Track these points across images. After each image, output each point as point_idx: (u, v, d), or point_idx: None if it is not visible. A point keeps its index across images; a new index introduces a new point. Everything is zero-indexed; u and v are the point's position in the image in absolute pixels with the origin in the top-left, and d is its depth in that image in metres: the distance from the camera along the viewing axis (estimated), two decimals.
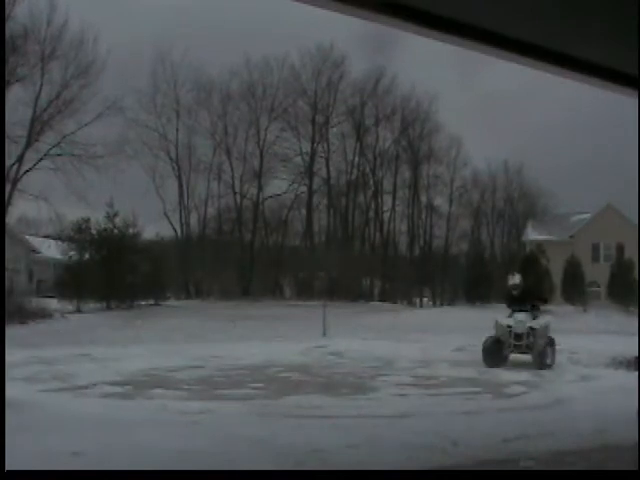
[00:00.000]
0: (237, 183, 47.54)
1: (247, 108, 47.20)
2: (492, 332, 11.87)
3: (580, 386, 9.63)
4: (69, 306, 29.04)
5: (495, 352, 11.66)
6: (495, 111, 66.53)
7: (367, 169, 50.60)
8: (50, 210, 34.02)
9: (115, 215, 32.16)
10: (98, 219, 32.26)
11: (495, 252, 53.21)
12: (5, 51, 27.51)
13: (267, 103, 47.21)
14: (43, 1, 33.79)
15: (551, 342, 11.92)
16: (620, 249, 36.90)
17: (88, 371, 10.57)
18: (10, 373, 8.15)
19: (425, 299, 50.89)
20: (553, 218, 47.35)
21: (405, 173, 50.84)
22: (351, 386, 9.63)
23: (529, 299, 12.03)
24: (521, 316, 11.75)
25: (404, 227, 51.18)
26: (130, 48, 44.99)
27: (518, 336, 11.56)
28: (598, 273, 37.82)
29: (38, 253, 41.30)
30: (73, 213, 35.51)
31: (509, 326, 11.65)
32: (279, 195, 48.77)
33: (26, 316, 23.08)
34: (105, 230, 32.09)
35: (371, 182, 50.62)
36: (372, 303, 41.62)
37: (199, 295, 43.68)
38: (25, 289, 32.03)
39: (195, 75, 45.29)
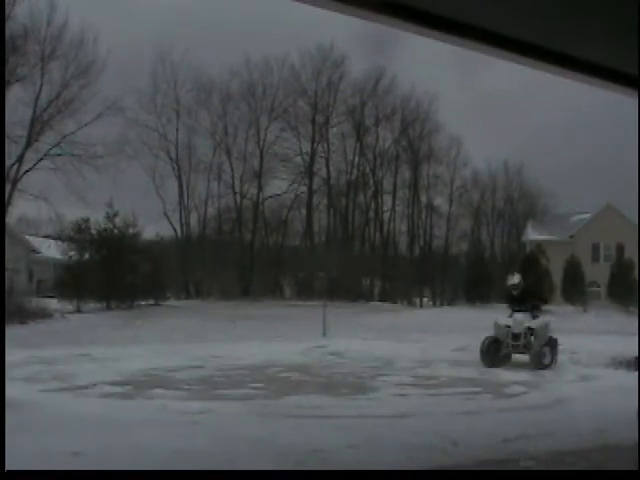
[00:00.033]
0: (237, 183, 47.58)
1: (247, 108, 47.24)
2: (492, 332, 11.88)
3: (580, 386, 9.63)
4: (69, 306, 29.04)
5: (493, 352, 11.66)
6: (495, 111, 66.54)
7: (367, 169, 50.63)
8: (50, 210, 34.05)
9: (115, 215, 32.18)
10: (98, 219, 32.30)
11: (495, 252, 53.22)
12: (5, 51, 27.50)
13: (267, 103, 47.24)
14: (43, 1, 33.83)
15: (551, 342, 11.91)
16: (620, 249, 36.91)
17: (88, 371, 10.57)
18: (10, 373, 8.15)
19: (425, 299, 50.89)
20: (553, 218, 47.35)
21: (405, 173, 50.87)
22: (351, 386, 9.63)
23: (529, 299, 12.03)
24: (520, 316, 11.75)
25: (404, 227, 51.22)
26: (130, 48, 44.99)
27: (515, 336, 11.55)
28: (598, 273, 37.82)
29: (38, 253, 41.30)
30: (73, 213, 35.52)
31: (507, 326, 11.65)
32: (279, 195, 48.80)
33: (26, 316, 23.08)
34: (105, 230, 32.09)
35: (371, 182, 50.64)
36: (372, 303, 41.62)
37: (199, 295, 43.68)
38: (25, 289, 32.04)
39: (195, 75, 45.32)
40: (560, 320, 13.14)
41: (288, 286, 48.90)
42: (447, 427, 6.44)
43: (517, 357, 11.79)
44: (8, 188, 31.68)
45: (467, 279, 37.94)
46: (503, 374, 10.65)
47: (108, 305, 30.62)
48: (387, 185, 50.80)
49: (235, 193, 47.71)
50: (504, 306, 12.83)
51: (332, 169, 49.79)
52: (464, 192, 52.05)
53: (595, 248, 42.80)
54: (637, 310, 25.81)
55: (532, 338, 11.51)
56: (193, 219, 48.29)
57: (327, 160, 49.59)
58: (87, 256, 31.79)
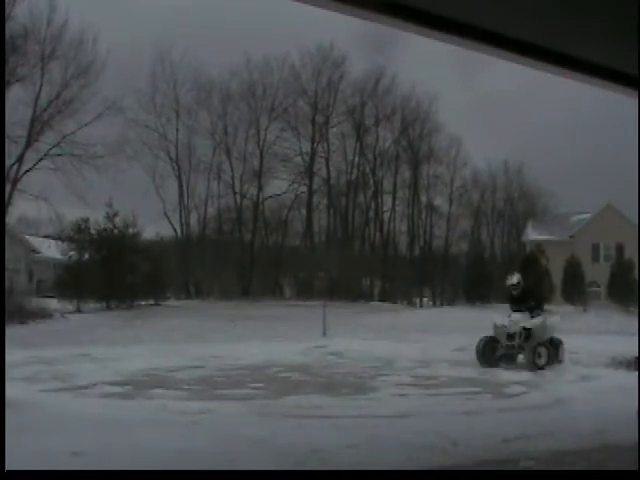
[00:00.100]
0: (237, 183, 47.59)
1: (247, 108, 47.24)
2: (491, 332, 11.88)
3: (580, 386, 9.63)
4: (69, 306, 29.04)
5: (489, 352, 11.67)
6: (495, 111, 66.58)
7: (367, 169, 50.63)
8: (50, 210, 34.06)
9: (115, 215, 32.18)
10: (98, 219, 32.31)
11: (495, 252, 53.23)
12: (5, 51, 27.50)
13: (267, 103, 47.24)
14: (43, 1, 33.83)
15: (553, 342, 11.87)
16: (620, 249, 36.90)
17: (88, 371, 10.57)
18: (10, 373, 8.15)
19: (425, 299, 50.89)
20: (553, 218, 47.35)
21: (405, 173, 50.88)
22: (351, 386, 9.63)
23: (528, 299, 12.02)
24: (517, 316, 11.74)
25: (404, 227, 51.23)
26: (130, 48, 45.01)
27: (510, 336, 11.55)
28: (598, 273, 37.82)
29: (38, 253, 41.31)
30: (73, 213, 35.58)
31: (504, 326, 11.65)
32: (279, 195, 48.80)
33: (26, 316, 23.08)
34: (105, 230, 32.09)
35: (371, 182, 50.64)
36: (372, 303, 41.62)
37: (199, 295, 43.68)
38: (25, 289, 32.04)
39: (195, 75, 45.33)
40: (560, 320, 13.09)
41: (288, 286, 48.90)
42: (447, 427, 6.44)
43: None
44: (8, 188, 31.69)
45: (467, 279, 37.94)
46: (503, 374, 10.65)
47: (108, 305, 30.62)
48: (387, 185, 50.84)
49: (235, 193, 47.73)
50: (504, 306, 12.83)
51: (332, 169, 49.83)
52: (464, 192, 52.09)
53: (595, 248, 42.80)
54: (637, 310, 25.81)
55: (527, 338, 11.48)
56: (193, 219, 48.33)
57: (327, 160, 49.61)
58: (87, 256, 31.79)
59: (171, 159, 46.65)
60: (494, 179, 52.43)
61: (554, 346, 11.94)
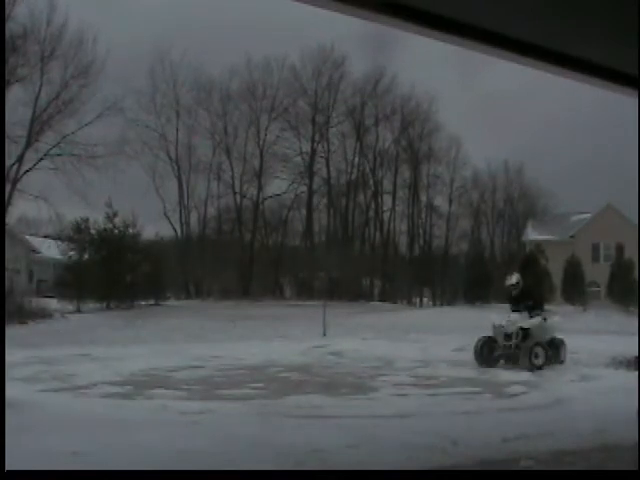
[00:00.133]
0: (237, 183, 47.63)
1: (247, 108, 47.29)
2: (491, 332, 11.88)
3: (580, 386, 9.62)
4: (69, 306, 29.06)
5: (486, 352, 11.67)
6: (495, 111, 66.63)
7: (367, 169, 50.67)
8: (50, 210, 34.08)
9: (115, 215, 32.20)
10: (98, 219, 32.34)
11: (495, 252, 53.26)
12: (5, 51, 27.50)
13: (267, 103, 47.29)
14: (43, 1, 33.85)
15: (554, 342, 11.86)
16: (620, 249, 36.89)
17: (88, 371, 10.57)
18: (10, 373, 8.15)
19: (425, 299, 50.92)
20: (553, 218, 47.36)
21: (405, 173, 50.94)
22: (351, 386, 9.63)
23: (527, 299, 12.01)
24: (515, 316, 11.74)
25: (404, 227, 51.29)
26: (130, 48, 45.08)
27: (508, 336, 11.54)
28: (598, 273, 37.82)
29: (38, 253, 41.31)
30: (73, 213, 35.64)
31: (501, 326, 11.65)
32: (279, 195, 48.84)
33: (26, 316, 23.09)
34: (105, 230, 32.10)
35: (371, 182, 50.67)
36: (372, 303, 41.63)
37: (199, 295, 43.69)
38: (25, 289, 32.04)
39: (195, 75, 45.38)
40: (561, 320, 13.10)
41: (288, 286, 48.91)
42: (447, 427, 6.44)
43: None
44: (8, 188, 31.70)
45: (467, 279, 37.93)
46: (503, 374, 10.64)
47: (108, 305, 30.64)
48: (387, 185, 50.90)
49: (235, 193, 47.76)
50: (504, 306, 12.82)
51: (332, 169, 49.87)
52: (464, 192, 52.15)
53: (595, 248, 42.80)
54: (637, 310, 25.81)
55: (524, 338, 11.46)
56: (193, 219, 48.38)
57: (327, 160, 49.64)
58: (87, 256, 31.82)
59: (171, 159, 46.72)
60: (494, 179, 52.52)
61: (555, 346, 11.93)
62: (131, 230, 32.68)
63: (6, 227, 28.61)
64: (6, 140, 29.89)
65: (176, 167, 46.76)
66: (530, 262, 34.19)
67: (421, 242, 51.95)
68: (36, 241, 42.34)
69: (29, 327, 21.75)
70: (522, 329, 11.50)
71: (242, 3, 51.93)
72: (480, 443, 5.86)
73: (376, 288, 49.34)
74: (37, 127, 34.46)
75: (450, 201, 51.49)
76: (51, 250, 37.24)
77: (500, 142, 65.23)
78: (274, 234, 50.47)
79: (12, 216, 36.21)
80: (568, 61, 2.64)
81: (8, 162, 32.28)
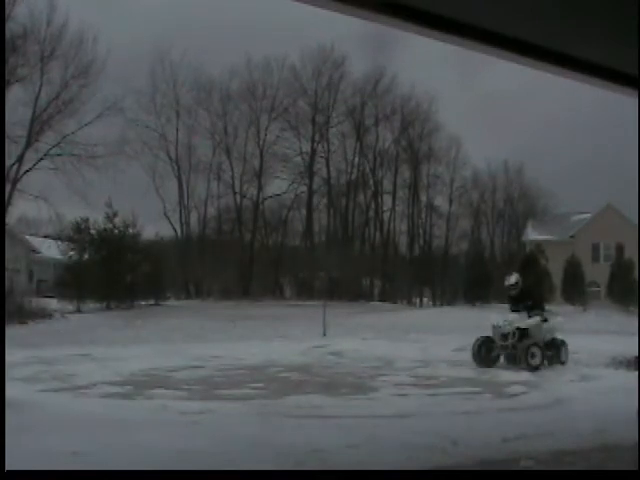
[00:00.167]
0: (237, 183, 47.63)
1: (247, 108, 47.29)
2: (490, 332, 11.88)
3: (580, 386, 9.62)
4: (69, 306, 29.05)
5: (484, 352, 11.67)
6: (495, 111, 66.64)
7: (367, 169, 50.67)
8: (50, 210, 34.09)
9: (115, 215, 32.20)
10: (98, 219, 32.34)
11: (495, 252, 53.26)
12: (5, 51, 27.49)
13: (267, 103, 47.30)
14: (43, 1, 33.86)
15: (554, 343, 11.84)
16: (620, 249, 36.89)
17: (88, 371, 10.57)
18: (10, 373, 8.14)
19: (425, 299, 50.92)
20: (553, 218, 47.37)
21: (405, 173, 50.94)
22: (351, 386, 9.63)
23: (526, 299, 12.01)
24: (513, 316, 11.74)
25: (404, 227, 51.29)
26: (130, 48, 45.08)
27: (504, 336, 11.55)
28: (598, 273, 37.82)
29: (38, 253, 41.31)
30: (73, 213, 35.64)
31: (499, 326, 11.66)
32: (279, 195, 48.84)
33: (26, 316, 23.09)
34: (105, 230, 32.10)
35: (371, 182, 50.67)
36: (372, 303, 41.63)
37: (199, 295, 43.69)
38: (25, 289, 32.03)
39: (195, 75, 45.39)
40: (562, 320, 13.11)
41: (288, 286, 48.91)
42: (447, 427, 6.44)
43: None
44: (8, 188, 31.70)
45: (467, 279, 37.94)
46: (503, 374, 10.64)
47: (108, 305, 30.64)
48: (387, 185, 50.91)
49: (235, 193, 47.76)
50: (504, 306, 12.82)
51: (332, 169, 49.88)
52: (464, 192, 52.14)
53: (595, 248, 42.80)
54: (637, 310, 25.81)
55: (521, 338, 11.44)
56: (193, 219, 48.39)
57: (327, 160, 49.64)
58: (87, 256, 31.82)
59: (171, 159, 46.72)
60: (494, 179, 52.53)
61: (555, 347, 11.90)
62: (131, 230, 32.69)
63: (6, 227, 28.61)
64: (6, 140, 29.92)
65: (176, 167, 46.82)
66: (530, 262, 34.19)
67: (421, 242, 51.97)
68: (36, 241, 42.34)
69: (29, 327, 21.75)
70: (519, 329, 11.49)
71: (242, 3, 51.96)
72: (480, 443, 5.86)
73: (376, 288, 49.34)
74: (37, 127, 34.48)
75: (450, 201, 51.55)
76: (51, 250, 37.24)
77: (500, 142, 65.29)
78: (274, 234, 50.48)
79: (12, 216, 36.27)
80: (568, 61, 2.64)
81: (8, 162, 32.31)
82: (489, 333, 11.83)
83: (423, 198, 51.40)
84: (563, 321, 12.87)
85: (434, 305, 46.54)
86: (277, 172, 48.81)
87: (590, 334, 18.57)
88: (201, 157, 47.38)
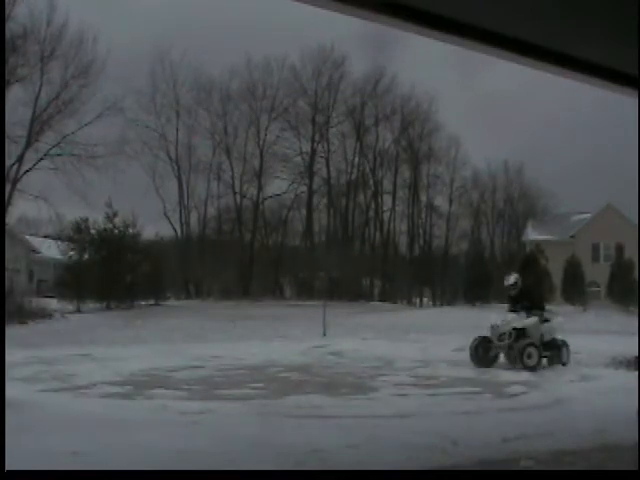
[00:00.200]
0: (237, 183, 47.64)
1: (247, 108, 47.30)
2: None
3: (580, 386, 9.62)
4: (69, 306, 29.05)
5: (482, 352, 11.66)
6: (495, 111, 66.66)
7: (367, 169, 50.69)
8: (50, 210, 34.09)
9: (115, 215, 32.20)
10: (98, 219, 32.35)
11: (495, 252, 53.27)
12: (5, 51, 27.49)
13: (267, 103, 47.32)
14: (43, 1, 33.87)
15: (553, 343, 11.83)
16: (620, 249, 36.89)
17: (88, 371, 10.57)
18: (10, 373, 8.14)
19: (425, 299, 50.92)
20: (553, 218, 47.37)
21: (405, 173, 50.97)
22: (351, 386, 9.63)
23: (525, 299, 12.00)
24: (511, 316, 11.74)
25: (404, 227, 51.31)
26: (130, 48, 45.08)
27: (501, 336, 11.54)
28: (598, 273, 37.82)
29: (38, 253, 41.31)
30: (73, 213, 35.65)
31: (497, 326, 11.65)
32: (279, 195, 48.86)
33: (26, 316, 23.09)
34: (105, 230, 32.10)
35: (371, 182, 50.67)
36: (372, 303, 41.63)
37: (199, 295, 43.69)
38: (25, 289, 32.04)
39: (195, 75, 45.41)
40: (562, 320, 13.11)
41: (288, 286, 48.92)
42: (447, 427, 6.44)
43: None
44: (8, 188, 31.70)
45: (467, 279, 37.95)
46: (503, 374, 10.64)
47: (108, 305, 30.64)
48: (387, 185, 50.93)
49: (235, 193, 47.77)
50: (505, 306, 12.81)
51: (332, 169, 49.90)
52: (464, 192, 52.16)
53: (595, 248, 42.81)
54: (637, 310, 25.81)
55: (517, 338, 11.41)
56: (193, 219, 48.40)
57: (327, 160, 49.66)
58: (87, 256, 31.82)
59: (171, 159, 46.74)
60: (494, 179, 52.55)
61: (556, 347, 11.87)
62: (131, 230, 32.69)
63: (6, 227, 28.61)
64: (6, 140, 29.92)
65: (176, 167, 46.83)
66: (530, 262, 34.19)
67: (421, 242, 51.97)
68: (36, 241, 42.34)
69: (29, 327, 21.75)
70: (515, 329, 11.49)
71: (242, 3, 51.98)
72: (480, 443, 5.86)
73: (376, 288, 49.35)
74: (37, 127, 34.48)
75: (450, 201, 51.57)
76: (51, 250, 37.25)
77: (500, 142, 65.31)
78: (274, 234, 50.48)
79: (12, 216, 36.27)
80: (568, 61, 2.64)
81: (8, 162, 32.30)
82: (488, 333, 11.84)
83: (423, 198, 51.48)
84: (563, 321, 12.85)
85: (434, 305, 46.55)
86: (277, 172, 48.89)
87: (590, 334, 18.56)
88: (201, 157, 47.45)
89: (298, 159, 49.44)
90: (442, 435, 5.87)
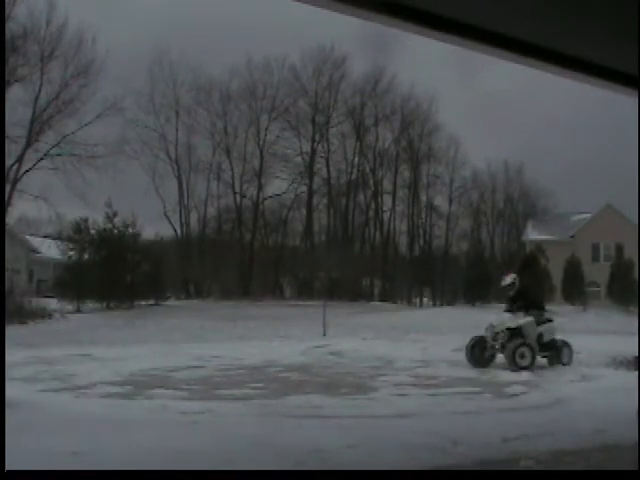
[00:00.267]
0: (237, 183, 47.63)
1: (247, 108, 47.31)
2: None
3: (580, 386, 9.62)
4: (69, 306, 29.05)
5: (478, 352, 11.65)
6: (495, 111, 66.68)
7: (367, 169, 50.68)
8: (50, 210, 34.07)
9: (114, 215, 32.20)
10: (97, 219, 32.35)
11: (495, 252, 53.26)
12: (5, 51, 27.49)
13: (267, 103, 47.33)
14: (43, 1, 33.86)
15: (553, 344, 11.83)
16: (620, 249, 36.90)
17: (88, 371, 10.56)
18: (10, 373, 8.15)
19: (425, 299, 50.92)
20: (553, 218, 47.38)
21: (405, 173, 50.98)
22: (351, 386, 9.62)
23: (524, 299, 12.00)
24: (506, 316, 11.74)
25: (404, 227, 51.31)
26: (129, 48, 45.09)
27: (495, 335, 11.54)
28: (598, 273, 37.83)
29: (38, 253, 41.32)
30: (73, 213, 35.60)
31: (493, 326, 11.66)
32: (279, 195, 48.86)
33: (26, 316, 23.08)
34: (105, 230, 32.10)
35: (371, 182, 50.67)
36: (372, 303, 41.64)
37: (199, 295, 43.69)
38: (25, 289, 32.03)
39: (194, 75, 45.41)
40: (560, 320, 13.12)
41: (288, 286, 48.93)
42: (447, 427, 6.44)
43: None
44: (8, 188, 31.69)
45: (467, 279, 37.95)
46: (503, 374, 10.64)
47: (108, 305, 30.64)
48: (387, 185, 50.94)
49: (235, 193, 47.78)
50: (504, 306, 12.81)
51: (332, 169, 49.90)
52: (464, 192, 52.16)
53: (595, 248, 42.82)
54: (637, 310, 25.81)
55: (510, 338, 11.39)
56: (193, 219, 48.41)
57: (327, 160, 49.66)
58: (87, 256, 31.81)
59: (171, 159, 46.76)
60: (494, 179, 52.55)
61: (555, 348, 11.86)
62: (131, 230, 32.68)
63: (6, 227, 28.61)
64: (6, 140, 29.90)
65: (176, 167, 46.84)
66: (530, 262, 34.21)
67: (421, 242, 51.97)
68: (36, 241, 42.34)
69: (29, 327, 21.74)
70: (508, 329, 11.49)
71: (242, 3, 52.00)
72: (480, 443, 5.86)
73: (376, 288, 49.35)
74: (37, 127, 34.47)
75: (450, 201, 51.58)
76: (51, 250, 37.24)
77: (500, 142, 65.33)
78: (274, 234, 50.49)
79: (12, 216, 36.28)
80: (568, 61, 2.64)
81: (8, 162, 32.29)
82: (484, 333, 11.83)
83: (423, 198, 51.49)
84: (563, 321, 12.85)
85: (434, 305, 46.55)
86: (277, 172, 48.90)
87: (590, 334, 18.56)
88: (201, 157, 47.47)
89: (298, 159, 49.51)
90: (442, 435, 5.88)
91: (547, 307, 13.04)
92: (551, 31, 2.47)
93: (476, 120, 59.23)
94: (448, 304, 42.47)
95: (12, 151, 32.66)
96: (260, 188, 47.62)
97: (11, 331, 16.43)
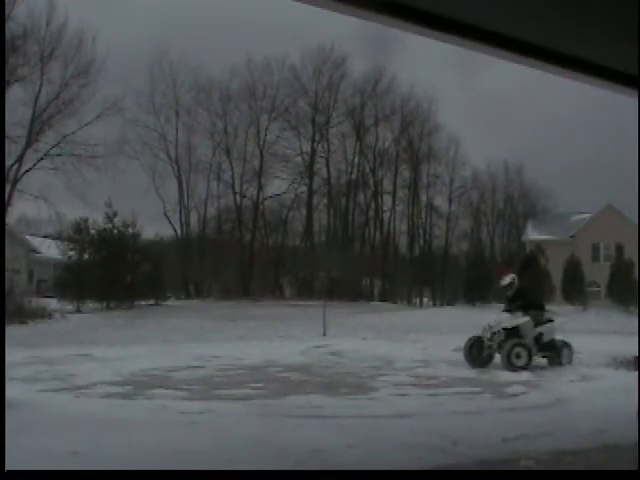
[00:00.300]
0: (237, 183, 47.64)
1: (247, 108, 47.31)
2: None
3: (580, 386, 9.62)
4: (69, 306, 29.05)
5: (475, 352, 11.65)
6: (495, 111, 66.69)
7: (367, 169, 50.68)
8: (50, 210, 34.07)
9: (114, 215, 32.20)
10: (97, 219, 32.36)
11: (495, 252, 53.26)
12: (5, 51, 27.49)
13: (267, 103, 47.33)
14: (43, 1, 33.85)
15: (552, 344, 11.81)
16: (620, 249, 36.91)
17: (88, 371, 10.56)
18: (10, 373, 8.15)
19: (425, 299, 50.92)
20: (553, 218, 47.38)
21: (405, 173, 50.98)
22: (351, 386, 9.62)
23: (523, 299, 11.99)
24: (504, 316, 11.74)
25: (404, 227, 51.31)
26: (129, 48, 45.09)
27: (492, 335, 11.54)
28: (598, 273, 37.84)
29: (38, 253, 41.31)
30: (73, 213, 35.61)
31: (490, 326, 11.65)
32: (279, 195, 48.87)
33: (26, 316, 23.08)
34: (105, 230, 32.10)
35: (371, 182, 50.67)
36: (372, 303, 41.63)
37: (199, 295, 43.69)
38: (25, 289, 32.03)
39: (194, 75, 45.42)
40: (560, 320, 13.10)
41: (288, 286, 48.94)
42: (447, 427, 6.44)
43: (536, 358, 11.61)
44: (8, 188, 31.69)
45: (467, 279, 37.96)
46: (503, 374, 10.64)
47: (108, 305, 30.64)
48: (387, 185, 50.94)
49: (235, 193, 47.78)
50: (503, 306, 12.81)
51: (332, 169, 49.90)
52: (464, 192, 52.16)
53: (595, 248, 42.83)
54: (637, 310, 25.81)
55: (507, 338, 11.38)
56: (193, 219, 48.42)
57: (327, 160, 49.66)
58: (87, 256, 31.81)
59: (171, 159, 46.76)
60: (494, 179, 52.55)
61: (555, 348, 11.85)
62: (131, 230, 32.69)
63: (6, 227, 28.61)
64: (6, 140, 29.90)
65: (176, 167, 46.84)
66: (530, 262, 34.21)
67: (421, 242, 51.97)
68: (36, 241, 42.34)
69: (29, 327, 21.74)
70: (505, 329, 11.48)
71: (242, 3, 52.00)
72: (480, 443, 5.86)
73: (376, 288, 49.35)
74: (37, 127, 34.47)
75: (450, 201, 51.59)
76: (51, 250, 37.24)
77: (500, 142, 65.34)
78: (274, 234, 50.49)
79: (12, 216, 36.26)
80: (568, 61, 2.64)
81: (8, 162, 32.28)
82: (481, 333, 11.83)
83: (423, 198, 51.49)
84: (562, 321, 12.84)
85: (434, 305, 46.55)
86: (277, 172, 48.90)
87: (590, 334, 18.56)
88: (201, 157, 47.47)
89: (298, 159, 49.51)
90: (442, 435, 5.88)
91: (547, 307, 13.01)
92: (551, 31, 2.47)
93: (476, 120, 59.28)
94: (448, 304, 42.46)
95: (12, 151, 32.70)
96: (260, 188, 47.65)
97: (11, 331, 16.43)
